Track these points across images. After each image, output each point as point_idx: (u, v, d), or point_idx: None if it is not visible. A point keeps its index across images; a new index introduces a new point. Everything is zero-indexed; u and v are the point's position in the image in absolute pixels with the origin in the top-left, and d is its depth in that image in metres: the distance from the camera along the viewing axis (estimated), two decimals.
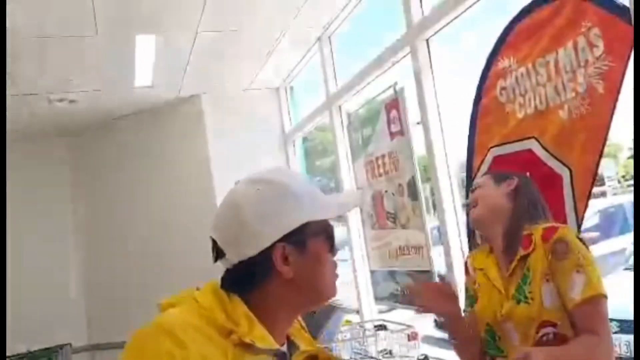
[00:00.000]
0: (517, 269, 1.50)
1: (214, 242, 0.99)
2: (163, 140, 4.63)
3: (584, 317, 1.38)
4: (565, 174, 1.76)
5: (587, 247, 1.45)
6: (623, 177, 12.02)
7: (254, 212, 0.96)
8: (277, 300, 0.97)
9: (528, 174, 1.69)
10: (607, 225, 6.02)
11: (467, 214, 1.70)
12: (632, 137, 1.45)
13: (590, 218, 6.66)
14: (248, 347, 0.91)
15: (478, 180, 1.72)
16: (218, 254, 0.98)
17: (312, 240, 0.98)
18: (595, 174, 1.65)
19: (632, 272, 4.92)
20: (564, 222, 1.75)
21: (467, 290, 1.70)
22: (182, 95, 4.43)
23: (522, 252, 1.49)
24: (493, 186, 1.63)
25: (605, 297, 1.38)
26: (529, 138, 1.86)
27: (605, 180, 12.48)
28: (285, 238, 0.95)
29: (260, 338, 0.92)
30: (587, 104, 1.65)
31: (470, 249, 1.71)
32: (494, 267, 1.58)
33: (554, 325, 1.43)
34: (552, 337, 1.43)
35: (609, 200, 7.89)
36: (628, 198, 6.54)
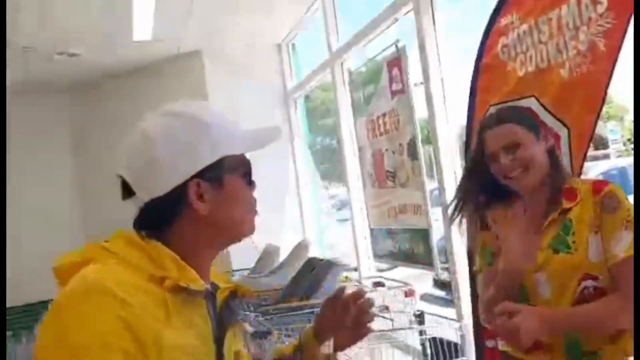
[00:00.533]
0: (557, 221, 1.43)
1: (123, 180, 0.93)
2: (163, 97, 4.55)
3: (621, 276, 1.35)
4: (563, 133, 1.75)
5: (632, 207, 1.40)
6: (628, 139, 11.95)
7: (167, 147, 0.90)
8: (195, 239, 0.93)
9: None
10: None
11: (504, 175, 1.49)
12: (633, 138, 1.44)
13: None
14: (182, 291, 0.88)
15: (509, 131, 1.48)
16: (128, 192, 0.93)
17: (229, 175, 0.94)
18: (592, 133, 1.64)
19: None
20: None
21: (484, 247, 1.59)
22: (182, 52, 4.38)
23: (565, 204, 1.43)
24: (536, 143, 1.47)
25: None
26: (528, 96, 1.85)
27: (610, 143, 12.43)
28: (200, 174, 0.91)
29: (193, 280, 0.89)
30: (588, 62, 1.63)
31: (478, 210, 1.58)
32: (521, 221, 1.49)
33: (596, 278, 1.38)
34: (592, 291, 1.38)
35: (612, 162, 7.88)
36: (631, 161, 6.52)
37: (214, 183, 0.92)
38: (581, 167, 1.70)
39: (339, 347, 1.16)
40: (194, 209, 0.91)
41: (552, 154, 1.50)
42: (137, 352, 0.80)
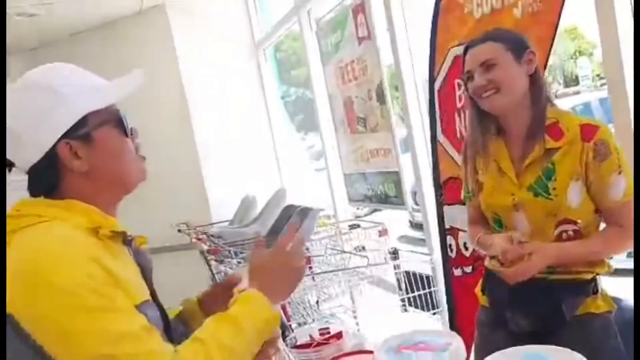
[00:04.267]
0: (540, 161, 1.41)
1: None
2: (128, 54, 4.51)
3: (620, 215, 1.39)
4: None
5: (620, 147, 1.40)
6: (597, 75, 12.11)
7: (22, 121, 0.95)
8: (87, 195, 0.98)
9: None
10: None
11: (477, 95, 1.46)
12: (633, 136, 1.48)
13: None
14: (112, 237, 0.96)
15: (487, 49, 1.43)
16: (8, 165, 0.99)
17: (99, 130, 0.98)
18: (545, 66, 1.72)
19: None
20: None
21: (466, 179, 1.59)
22: (145, 6, 4.30)
23: (551, 143, 1.39)
24: (515, 64, 1.41)
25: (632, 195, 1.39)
26: None
27: (580, 79, 12.58)
28: (67, 135, 0.96)
29: (116, 224, 0.98)
30: (538, 1, 1.70)
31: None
32: (505, 154, 1.48)
33: (575, 223, 1.41)
34: (572, 234, 1.41)
35: (578, 98, 8.04)
36: (597, 95, 6.67)
37: (83, 140, 0.97)
38: None
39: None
40: (70, 169, 0.97)
41: (534, 78, 1.44)
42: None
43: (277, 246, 1.09)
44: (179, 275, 3.34)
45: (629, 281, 1.37)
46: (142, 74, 1.05)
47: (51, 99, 0.96)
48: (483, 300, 1.59)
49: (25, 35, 4.50)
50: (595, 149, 1.36)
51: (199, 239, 3.32)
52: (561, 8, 1.64)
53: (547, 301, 1.41)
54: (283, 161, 4.63)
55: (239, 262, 2.66)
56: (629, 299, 1.48)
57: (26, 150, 0.96)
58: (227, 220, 3.98)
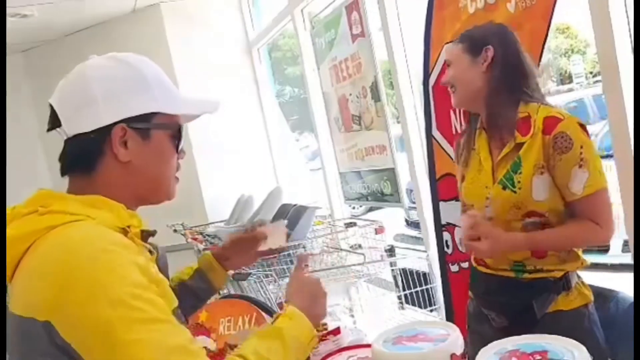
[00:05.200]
0: (510, 155, 1.44)
1: (52, 109, 0.95)
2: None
3: (585, 209, 1.39)
4: None
5: (588, 135, 1.40)
6: (590, 72, 12.17)
7: (101, 87, 0.92)
8: (119, 187, 0.94)
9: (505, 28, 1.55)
10: None
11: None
12: (633, 135, 1.49)
13: None
14: (139, 236, 0.93)
15: (450, 49, 1.56)
16: (54, 123, 0.95)
17: (158, 132, 0.97)
18: (539, 61, 1.73)
19: None
20: None
21: (459, 172, 1.64)
22: (139, 6, 4.29)
23: (520, 138, 1.42)
24: (469, 63, 1.49)
25: (605, 189, 1.39)
26: None
27: (574, 77, 12.65)
28: (129, 121, 0.93)
29: (142, 223, 0.95)
30: None
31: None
32: (485, 147, 1.53)
33: (542, 215, 1.42)
34: (539, 226, 1.43)
35: (572, 95, 8.08)
36: (590, 92, 6.70)
37: (140, 133, 0.95)
38: None
39: (235, 266, 1.39)
40: (114, 153, 0.93)
41: (490, 76, 1.47)
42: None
43: (313, 277, 1.14)
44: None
45: (626, 276, 1.38)
46: (220, 105, 1.05)
47: (137, 83, 0.95)
48: (470, 292, 1.65)
49: (19, 36, 4.48)
50: (555, 142, 1.37)
51: (194, 239, 3.31)
52: (554, 3, 1.64)
53: (519, 300, 1.44)
54: (278, 161, 4.63)
55: None
56: (624, 291, 1.50)
57: (85, 115, 0.91)
58: (223, 220, 3.97)
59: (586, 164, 1.36)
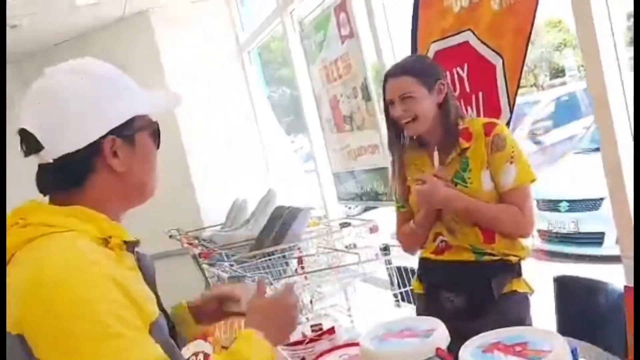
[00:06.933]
0: (457, 159, 1.67)
1: (27, 134, 0.90)
2: (112, 62, 4.44)
3: (513, 199, 1.63)
4: (498, 63, 1.86)
5: (517, 142, 1.67)
6: (582, 66, 12.21)
7: (78, 103, 0.90)
8: (109, 197, 0.94)
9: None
10: (561, 113, 6.26)
11: (393, 120, 1.72)
12: (632, 134, 1.54)
13: (547, 106, 6.91)
14: (122, 247, 0.91)
15: (404, 84, 1.67)
16: (33, 147, 0.91)
17: (140, 134, 0.97)
18: (524, 57, 1.75)
19: (582, 155, 5.23)
20: (498, 108, 1.88)
21: (396, 191, 1.83)
22: (128, 13, 4.29)
23: (464, 144, 1.66)
24: (428, 96, 1.67)
25: (532, 181, 1.64)
26: (465, 30, 1.94)
27: (566, 71, 12.70)
28: (114, 131, 0.93)
29: (125, 233, 0.94)
30: None
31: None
32: (427, 162, 1.73)
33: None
34: None
35: (564, 89, 8.11)
36: (582, 86, 6.74)
37: (126, 140, 0.95)
38: (515, 93, 1.82)
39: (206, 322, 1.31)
40: (108, 165, 0.93)
41: (443, 106, 1.69)
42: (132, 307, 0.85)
43: (276, 298, 1.11)
44: (172, 282, 3.32)
45: (617, 267, 1.43)
46: (180, 97, 1.05)
47: (110, 92, 0.93)
48: (419, 288, 1.82)
49: (8, 47, 4.47)
50: (493, 142, 1.62)
51: (190, 244, 3.32)
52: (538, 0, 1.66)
53: (478, 280, 1.63)
54: (272, 164, 4.63)
55: (231, 265, 2.66)
56: (614, 282, 1.53)
57: (71, 135, 0.90)
58: (218, 225, 3.97)
59: (516, 161, 1.61)
